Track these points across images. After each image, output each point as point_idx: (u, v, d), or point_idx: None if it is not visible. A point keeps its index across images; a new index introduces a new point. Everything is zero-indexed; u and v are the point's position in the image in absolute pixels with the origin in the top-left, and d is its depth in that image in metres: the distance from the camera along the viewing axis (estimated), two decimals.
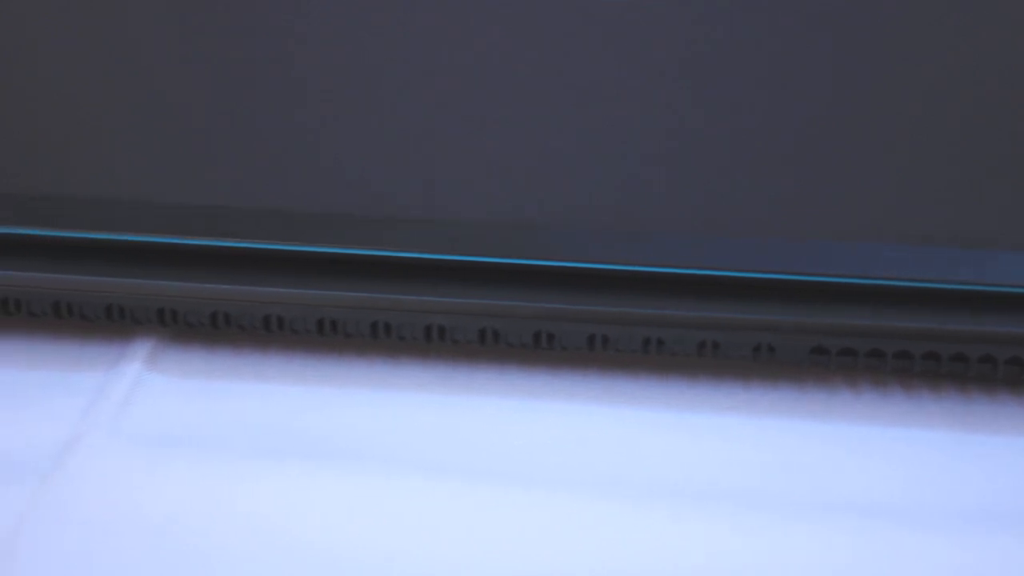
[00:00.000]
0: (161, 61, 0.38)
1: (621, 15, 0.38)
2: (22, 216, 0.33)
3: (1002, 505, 0.31)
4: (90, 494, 0.31)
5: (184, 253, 0.33)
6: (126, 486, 0.31)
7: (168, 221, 0.33)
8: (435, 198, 0.33)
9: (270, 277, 0.33)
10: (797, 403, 0.34)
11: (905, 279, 0.32)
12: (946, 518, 0.30)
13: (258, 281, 0.33)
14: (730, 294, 0.32)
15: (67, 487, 0.31)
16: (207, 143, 0.35)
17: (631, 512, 0.30)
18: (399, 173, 0.34)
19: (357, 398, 0.33)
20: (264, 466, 0.31)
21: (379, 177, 0.34)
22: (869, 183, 0.33)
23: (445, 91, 0.36)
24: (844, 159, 0.34)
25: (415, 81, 0.36)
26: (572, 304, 0.32)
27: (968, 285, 0.32)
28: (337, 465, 0.32)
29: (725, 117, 0.35)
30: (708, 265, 0.32)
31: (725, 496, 0.31)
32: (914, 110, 0.36)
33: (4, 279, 0.34)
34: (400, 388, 0.34)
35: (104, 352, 0.35)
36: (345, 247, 0.33)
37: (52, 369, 0.34)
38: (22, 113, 0.36)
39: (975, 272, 0.32)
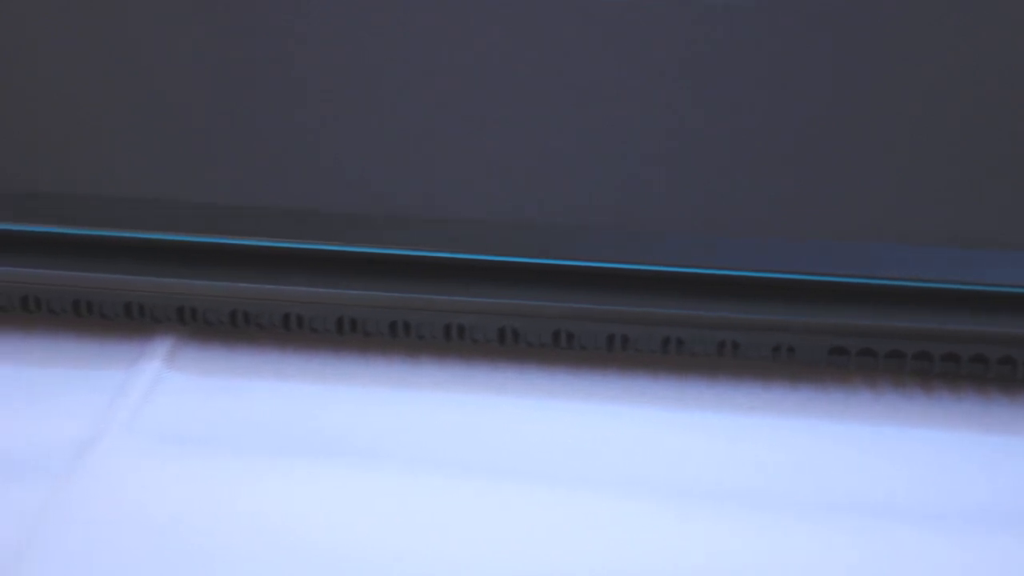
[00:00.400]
0: (183, 61, 0.38)
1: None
2: (42, 214, 0.34)
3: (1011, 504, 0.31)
4: (109, 492, 0.31)
5: (204, 251, 0.33)
6: (145, 483, 0.31)
7: (188, 219, 0.33)
8: (455, 198, 0.33)
9: (290, 276, 0.33)
10: (816, 403, 0.33)
11: (926, 280, 0.32)
12: (950, 518, 0.30)
13: (278, 280, 0.33)
14: (749, 294, 0.32)
15: (87, 484, 0.31)
16: (229, 141, 0.35)
17: (648, 511, 0.30)
18: (419, 173, 0.34)
19: (376, 397, 0.34)
20: (283, 464, 0.31)
21: (399, 176, 0.34)
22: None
23: (466, 90, 0.36)
24: (854, 158, 0.34)
25: (437, 80, 0.36)
26: (592, 304, 0.32)
27: (985, 286, 0.32)
28: (356, 464, 0.32)
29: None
30: (728, 265, 0.32)
31: (737, 495, 0.31)
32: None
33: (25, 277, 0.34)
34: (419, 387, 0.34)
35: (124, 350, 0.35)
36: (365, 246, 0.33)
37: (72, 367, 0.35)
38: (46, 111, 0.36)
39: (995, 273, 0.32)
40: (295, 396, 0.34)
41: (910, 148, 0.35)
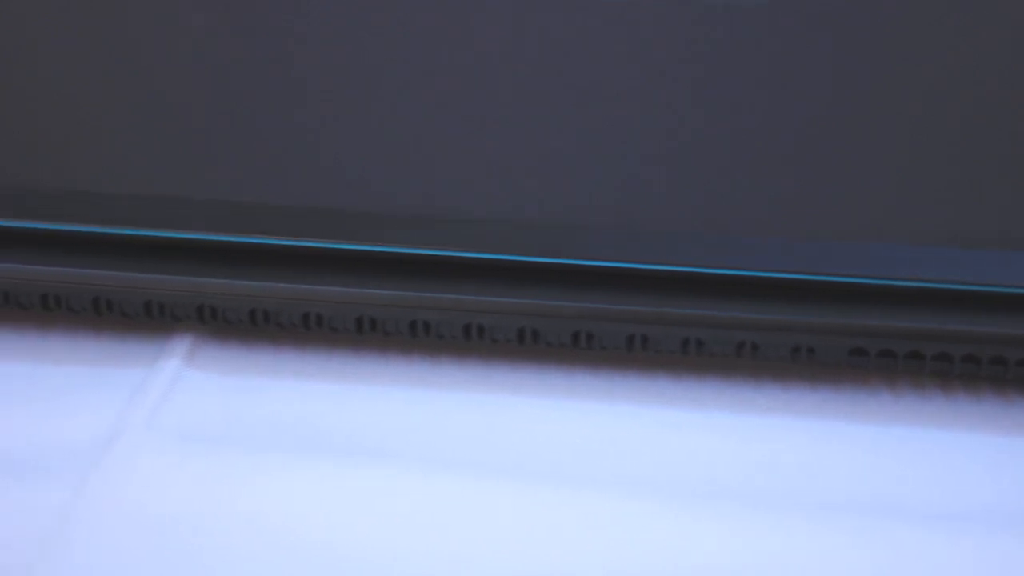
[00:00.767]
0: (200, 60, 0.38)
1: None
2: (63, 212, 0.34)
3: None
4: (128, 490, 0.31)
5: (224, 250, 0.33)
6: (165, 482, 0.31)
7: (209, 218, 0.33)
8: (475, 198, 0.33)
9: (310, 275, 0.33)
10: (831, 405, 0.34)
11: (945, 281, 0.32)
12: (970, 519, 0.30)
13: (298, 279, 0.33)
14: (769, 295, 0.32)
15: (106, 482, 0.31)
16: (248, 140, 0.35)
17: (661, 512, 0.31)
18: (439, 173, 0.34)
19: (396, 396, 0.34)
20: (302, 463, 0.32)
21: (420, 176, 0.34)
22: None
23: (487, 90, 0.36)
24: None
25: (460, 79, 0.36)
26: (612, 304, 0.32)
27: (1004, 288, 0.32)
28: (375, 463, 0.32)
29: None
30: (747, 266, 0.32)
31: (750, 496, 0.31)
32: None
33: (45, 275, 0.34)
34: (439, 387, 0.34)
35: (143, 348, 0.35)
36: (385, 246, 0.33)
37: (92, 365, 0.35)
38: (62, 110, 0.36)
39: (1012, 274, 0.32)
40: (314, 395, 0.34)
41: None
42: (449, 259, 0.33)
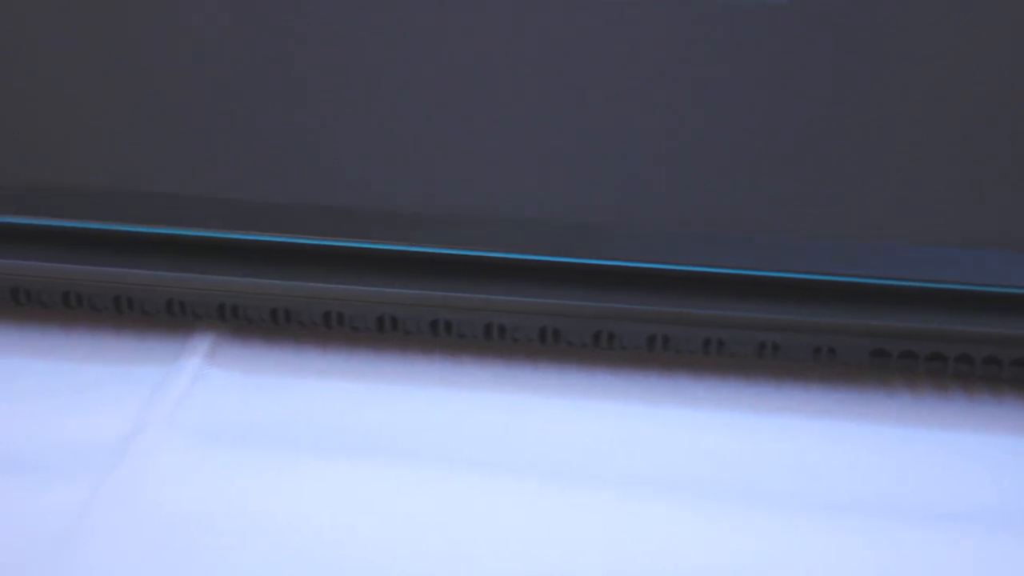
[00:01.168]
0: (221, 58, 0.38)
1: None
2: (85, 211, 0.34)
3: None
4: (148, 487, 0.31)
5: (245, 249, 0.33)
6: (185, 480, 0.31)
7: (230, 217, 0.33)
8: (497, 197, 0.34)
9: (331, 274, 0.33)
10: (847, 406, 0.34)
11: (966, 283, 0.32)
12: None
13: (319, 278, 0.33)
14: (790, 296, 0.32)
15: (127, 480, 0.31)
16: (273, 139, 0.35)
17: (677, 513, 0.31)
18: (461, 172, 0.34)
19: (417, 396, 0.34)
20: (322, 462, 0.32)
21: (443, 175, 0.34)
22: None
23: (504, 88, 0.36)
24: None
25: (481, 78, 0.37)
26: (633, 304, 0.32)
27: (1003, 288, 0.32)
28: (395, 462, 0.32)
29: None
30: (769, 267, 0.32)
31: (765, 496, 0.31)
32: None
33: (66, 273, 0.34)
34: (460, 386, 0.34)
35: (164, 347, 0.35)
36: (406, 245, 0.33)
37: (113, 363, 0.35)
38: (85, 108, 0.36)
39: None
40: (335, 394, 0.34)
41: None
42: (471, 259, 0.33)
